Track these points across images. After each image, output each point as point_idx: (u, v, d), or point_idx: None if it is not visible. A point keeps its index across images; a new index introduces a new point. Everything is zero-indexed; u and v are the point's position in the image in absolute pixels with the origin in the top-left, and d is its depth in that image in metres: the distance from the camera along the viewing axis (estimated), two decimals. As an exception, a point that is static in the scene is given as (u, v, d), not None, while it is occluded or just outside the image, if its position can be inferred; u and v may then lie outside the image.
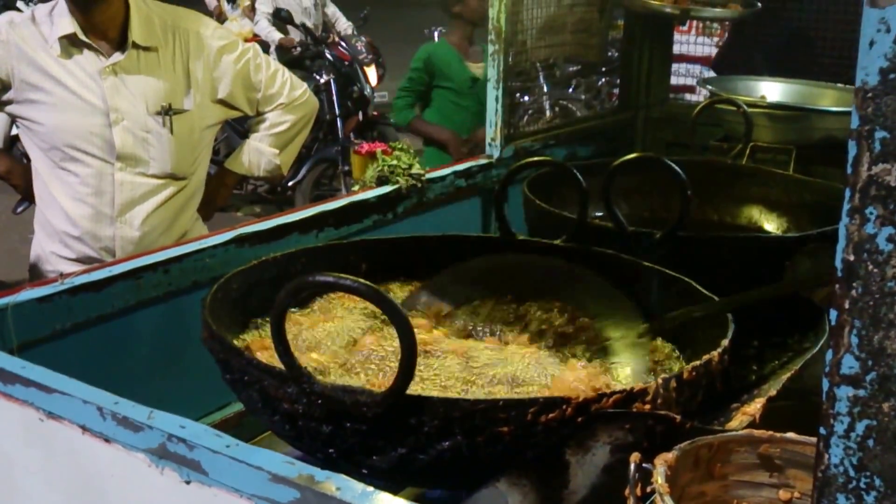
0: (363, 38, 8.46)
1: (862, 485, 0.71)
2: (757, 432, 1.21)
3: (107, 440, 1.31)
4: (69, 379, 1.38)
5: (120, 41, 2.52)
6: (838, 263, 0.71)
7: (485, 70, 3.46)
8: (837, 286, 0.71)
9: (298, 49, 8.19)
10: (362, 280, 1.22)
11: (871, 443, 0.70)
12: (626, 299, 1.76)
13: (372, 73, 7.99)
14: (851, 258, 0.70)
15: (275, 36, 8.83)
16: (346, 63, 7.74)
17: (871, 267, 0.69)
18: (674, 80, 5.40)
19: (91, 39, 2.49)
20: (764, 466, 1.20)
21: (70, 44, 2.49)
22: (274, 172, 2.92)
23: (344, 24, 9.01)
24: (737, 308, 1.58)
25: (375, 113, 7.68)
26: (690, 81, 6.70)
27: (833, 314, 0.71)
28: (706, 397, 1.41)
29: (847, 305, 0.70)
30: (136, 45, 2.51)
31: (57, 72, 2.48)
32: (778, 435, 1.20)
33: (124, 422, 1.29)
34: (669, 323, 1.69)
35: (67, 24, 2.47)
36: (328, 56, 7.75)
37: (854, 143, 0.68)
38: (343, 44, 8.11)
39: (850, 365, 0.70)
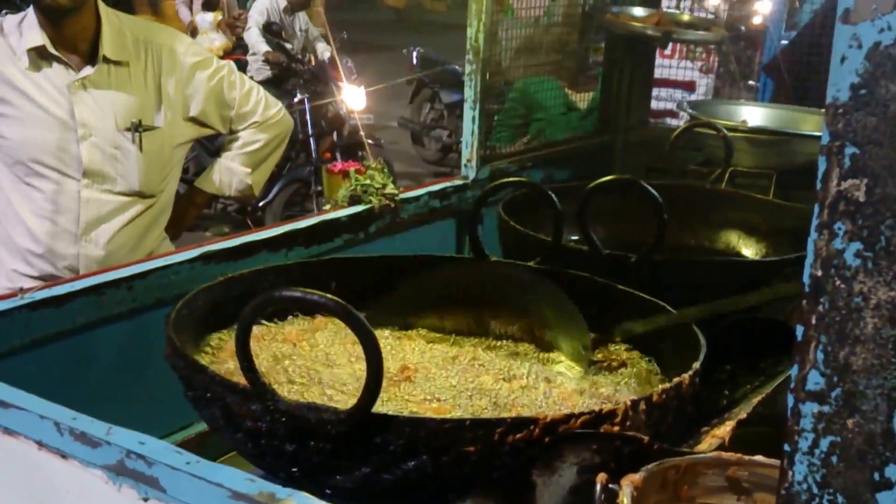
0: (349, 61, 8.44)
1: (825, 502, 0.70)
2: (725, 455, 1.21)
3: (64, 456, 1.29)
4: (25, 394, 1.36)
5: (90, 55, 2.48)
6: (806, 279, 0.70)
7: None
8: (805, 301, 0.70)
9: (286, 62, 8.14)
10: (329, 295, 1.20)
11: (835, 459, 0.69)
12: (576, 311, 1.75)
13: (360, 94, 7.93)
14: (819, 273, 0.69)
15: (263, 48, 8.81)
16: (321, 83, 7.71)
17: (838, 282, 0.68)
18: (656, 105, 5.41)
19: (61, 52, 2.45)
20: (732, 489, 1.19)
21: (39, 56, 2.44)
22: (245, 192, 2.88)
23: (322, 48, 9.01)
24: (697, 321, 1.59)
25: (363, 133, 7.62)
26: (672, 106, 6.74)
27: (800, 330, 0.70)
28: (676, 420, 1.40)
29: (814, 321, 0.70)
30: (106, 60, 2.47)
31: (24, 85, 2.43)
32: (746, 458, 1.19)
33: (82, 437, 1.26)
34: (620, 334, 1.72)
35: (37, 36, 2.43)
36: (303, 75, 7.71)
37: (824, 159, 0.69)
38: (325, 60, 8.09)
39: (815, 381, 0.70)
